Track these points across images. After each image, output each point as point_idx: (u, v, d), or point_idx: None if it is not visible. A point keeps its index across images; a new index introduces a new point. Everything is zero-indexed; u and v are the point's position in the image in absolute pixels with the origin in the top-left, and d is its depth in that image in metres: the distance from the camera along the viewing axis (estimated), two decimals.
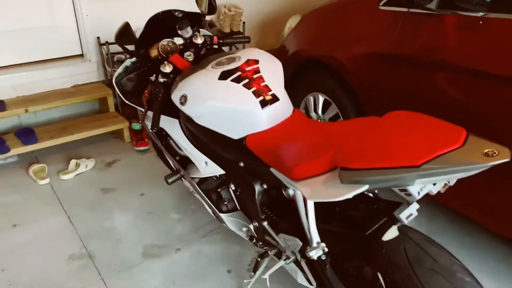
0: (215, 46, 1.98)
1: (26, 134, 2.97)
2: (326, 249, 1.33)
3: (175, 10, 1.97)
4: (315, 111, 2.64)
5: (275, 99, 1.52)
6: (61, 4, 3.24)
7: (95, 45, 3.37)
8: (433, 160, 0.94)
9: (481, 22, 1.75)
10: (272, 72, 1.60)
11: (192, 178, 1.85)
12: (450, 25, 1.85)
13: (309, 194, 1.15)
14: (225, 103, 1.51)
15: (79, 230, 2.33)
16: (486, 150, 0.92)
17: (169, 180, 1.93)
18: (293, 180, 1.26)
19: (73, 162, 2.90)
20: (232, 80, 1.54)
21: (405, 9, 2.04)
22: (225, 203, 1.83)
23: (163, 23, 1.93)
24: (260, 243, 1.74)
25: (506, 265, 2.08)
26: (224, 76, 1.56)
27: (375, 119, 1.27)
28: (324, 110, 2.60)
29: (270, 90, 1.53)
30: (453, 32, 1.84)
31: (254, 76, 1.55)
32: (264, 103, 1.50)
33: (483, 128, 1.76)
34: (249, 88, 1.52)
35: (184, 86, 1.63)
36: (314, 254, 1.32)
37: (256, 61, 1.62)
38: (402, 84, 2.05)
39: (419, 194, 1.20)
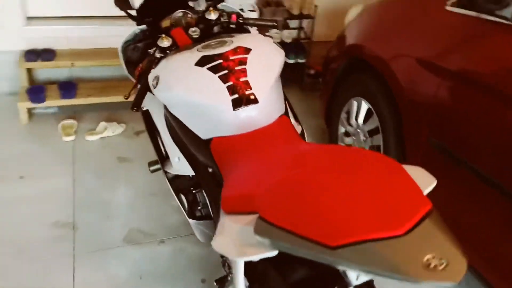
0: (233, 26, 1.70)
1: (67, 87, 2.95)
2: None
3: None
4: (356, 119, 2.26)
5: (252, 100, 1.22)
6: None
7: None
8: (352, 247, 0.61)
9: None
10: (262, 66, 1.29)
11: (166, 172, 1.62)
12: None
13: (213, 241, 0.86)
14: (193, 95, 1.24)
15: (76, 196, 2.24)
16: (428, 257, 0.56)
17: (151, 168, 1.73)
18: (222, 210, 0.98)
19: (102, 124, 2.83)
20: (208, 69, 1.26)
21: (474, 13, 1.59)
22: (198, 207, 1.59)
23: None
24: (227, 264, 1.48)
25: None
26: (202, 62, 1.29)
27: (353, 153, 0.93)
28: (366, 120, 2.21)
29: (250, 89, 1.23)
30: None
31: (236, 68, 1.26)
32: (237, 103, 1.21)
33: None
34: (225, 82, 1.23)
35: (160, 66, 1.38)
36: None
37: (248, 50, 1.32)
38: (458, 109, 1.60)
39: (357, 279, 0.85)
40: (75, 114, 2.99)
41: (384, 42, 1.99)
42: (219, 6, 1.81)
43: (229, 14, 1.69)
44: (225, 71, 1.25)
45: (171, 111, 1.38)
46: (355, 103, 2.26)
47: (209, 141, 1.26)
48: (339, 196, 0.74)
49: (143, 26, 1.80)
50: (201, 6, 1.62)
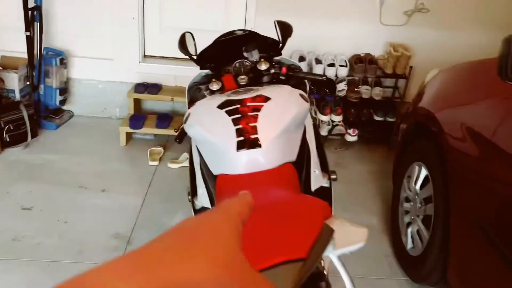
0: (282, 78, 1.81)
1: (163, 118, 3.32)
2: None
3: (256, 33, 1.87)
4: (416, 184, 2.16)
5: (255, 144, 1.30)
6: (236, 14, 3.48)
7: None
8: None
9: None
10: (275, 115, 1.37)
11: (193, 203, 1.74)
12: None
13: None
14: (207, 133, 1.37)
15: (140, 215, 2.48)
16: None
17: (188, 197, 1.87)
18: None
19: (184, 154, 3.10)
20: (226, 111, 1.38)
21: None
22: None
23: (236, 42, 1.86)
24: None
25: None
26: (223, 105, 1.41)
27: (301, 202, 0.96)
28: (423, 187, 2.10)
29: (256, 133, 1.31)
30: None
31: (249, 114, 1.36)
32: (241, 145, 1.30)
33: None
34: (235, 124, 1.34)
35: (195, 105, 1.54)
36: None
37: (267, 99, 1.41)
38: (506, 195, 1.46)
39: None
40: (166, 143, 3.32)
41: (442, 107, 1.91)
42: (277, 58, 1.95)
43: (281, 66, 1.80)
44: (239, 115, 1.36)
45: (197, 146, 1.52)
46: (416, 168, 2.16)
47: (216, 177, 1.37)
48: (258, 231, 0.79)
49: (208, 71, 2.00)
50: (254, 57, 1.76)
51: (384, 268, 2.26)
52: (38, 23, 3.19)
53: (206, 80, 2.01)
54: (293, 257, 0.70)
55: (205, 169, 1.50)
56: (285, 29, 1.79)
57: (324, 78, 1.84)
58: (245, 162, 1.30)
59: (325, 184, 1.70)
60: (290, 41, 3.31)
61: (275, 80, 1.81)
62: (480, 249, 1.57)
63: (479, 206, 1.58)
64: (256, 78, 1.77)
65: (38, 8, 3.15)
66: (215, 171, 1.39)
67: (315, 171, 1.60)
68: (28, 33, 3.19)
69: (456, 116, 1.80)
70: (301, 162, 1.47)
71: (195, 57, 1.83)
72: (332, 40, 3.51)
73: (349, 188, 2.99)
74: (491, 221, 1.50)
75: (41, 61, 3.29)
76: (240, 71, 1.80)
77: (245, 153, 1.30)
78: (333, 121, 3.57)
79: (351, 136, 3.52)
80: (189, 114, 1.51)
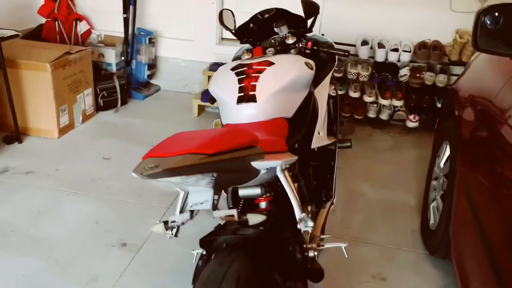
0: (307, 51, 2.01)
1: None
2: None
3: (284, 10, 2.08)
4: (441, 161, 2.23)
5: (252, 99, 1.55)
6: None
7: None
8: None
9: None
10: (274, 77, 1.60)
11: None
12: None
13: None
14: (218, 89, 1.65)
15: None
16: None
17: None
18: None
19: None
20: (236, 73, 1.65)
21: None
22: None
23: (271, 19, 2.10)
24: None
25: None
26: (235, 67, 1.68)
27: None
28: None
29: (254, 91, 1.56)
30: None
31: (253, 75, 1.61)
32: (240, 99, 1.56)
33: None
34: (240, 83, 1.60)
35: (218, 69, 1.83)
36: None
37: (271, 64, 1.65)
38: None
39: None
40: None
41: (464, 86, 1.96)
42: (309, 35, 2.15)
43: (307, 41, 2.01)
44: (244, 76, 1.61)
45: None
46: (443, 146, 2.23)
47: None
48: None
49: (249, 45, 2.28)
50: (283, 32, 1.98)
51: (407, 240, 2.35)
52: (133, 7, 3.72)
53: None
54: (198, 151, 0.94)
55: (220, 120, 1.79)
56: (310, 8, 1.98)
57: (346, 54, 2.00)
58: (243, 114, 1.56)
59: (331, 146, 1.89)
60: (356, 26, 3.48)
61: (303, 54, 2.03)
62: (470, 226, 1.62)
63: (474, 187, 1.63)
64: (283, 51, 2.00)
65: None
66: (223, 121, 1.66)
67: (319, 132, 1.80)
68: (125, 15, 3.74)
69: (471, 95, 1.86)
70: (300, 120, 1.68)
71: (233, 32, 2.11)
72: (400, 26, 3.55)
73: (395, 169, 3.07)
74: (481, 203, 1.52)
75: (133, 40, 3.83)
76: (271, 45, 2.04)
77: (244, 106, 1.56)
78: (394, 106, 3.63)
79: (412, 122, 3.55)
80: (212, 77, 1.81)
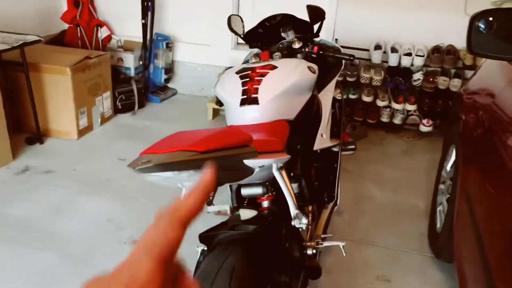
0: (313, 56, 2.06)
1: None
2: None
3: (291, 16, 2.13)
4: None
5: (254, 102, 1.61)
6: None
7: None
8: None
9: None
10: (277, 81, 1.65)
11: None
12: None
13: None
14: (222, 91, 1.71)
15: None
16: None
17: None
18: None
19: None
20: (240, 76, 1.71)
21: None
22: None
23: (277, 24, 2.16)
24: None
25: None
26: (240, 71, 1.74)
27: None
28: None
29: (256, 93, 1.62)
30: None
31: (256, 78, 1.66)
32: (243, 102, 1.62)
33: None
34: (243, 86, 1.66)
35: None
36: None
37: (274, 67, 1.70)
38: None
39: None
40: None
41: (468, 90, 1.97)
42: (317, 40, 2.20)
43: (313, 46, 2.06)
44: (247, 79, 1.67)
45: None
46: (450, 150, 2.24)
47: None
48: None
49: (258, 50, 2.34)
50: (290, 37, 2.04)
51: (414, 244, 2.37)
52: (151, 13, 3.83)
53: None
54: (189, 149, 1.00)
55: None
56: (315, 13, 2.03)
57: (351, 59, 2.04)
58: (246, 115, 1.62)
59: (335, 148, 1.93)
60: (370, 30, 3.49)
61: (309, 58, 2.08)
62: (468, 230, 1.63)
63: (473, 190, 1.64)
64: (290, 56, 2.06)
65: (151, 0, 3.79)
66: (228, 122, 1.72)
67: (322, 135, 1.84)
68: (143, 21, 3.86)
69: (474, 99, 1.87)
70: (303, 123, 1.73)
71: (242, 36, 2.18)
72: (413, 31, 3.57)
73: (407, 173, 3.08)
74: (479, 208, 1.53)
75: (151, 45, 3.94)
76: (279, 49, 2.10)
77: (246, 108, 1.61)
78: (408, 111, 3.63)
79: (425, 127, 3.55)
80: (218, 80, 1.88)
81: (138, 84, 3.79)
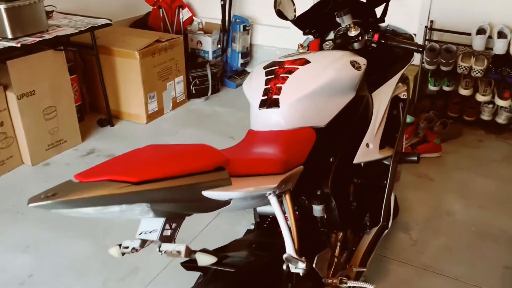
0: (373, 45, 1.71)
1: None
2: None
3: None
4: None
5: (275, 104, 1.34)
6: None
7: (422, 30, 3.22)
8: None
9: None
10: (305, 79, 1.36)
11: None
12: None
13: None
14: (246, 89, 1.48)
15: None
16: None
17: None
18: None
19: None
20: (266, 72, 1.45)
21: None
22: None
23: (333, 7, 1.83)
24: None
25: None
26: (267, 66, 1.48)
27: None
28: None
29: (278, 94, 1.35)
30: None
31: (281, 75, 1.39)
32: (262, 103, 1.37)
33: None
34: (266, 84, 1.40)
35: None
36: None
37: (306, 62, 1.41)
38: None
39: None
40: None
41: None
42: (383, 25, 1.85)
43: (374, 33, 1.72)
44: (272, 76, 1.41)
45: None
46: None
47: None
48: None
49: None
50: (345, 22, 1.71)
51: (495, 278, 1.92)
52: None
53: None
54: (121, 179, 0.80)
55: None
56: None
57: (420, 50, 1.66)
58: (264, 120, 1.36)
59: (386, 161, 1.58)
60: (473, 10, 2.99)
61: (370, 48, 1.74)
62: None
63: None
64: (344, 45, 1.74)
65: None
66: (250, 126, 1.49)
67: (367, 145, 1.51)
68: (222, 2, 3.71)
69: None
70: (339, 130, 1.42)
71: (292, 21, 1.90)
72: None
73: (503, 186, 2.57)
74: None
75: (229, 27, 3.79)
76: (335, 38, 1.80)
77: (265, 111, 1.36)
78: None
79: None
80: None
81: (213, 69, 3.68)
